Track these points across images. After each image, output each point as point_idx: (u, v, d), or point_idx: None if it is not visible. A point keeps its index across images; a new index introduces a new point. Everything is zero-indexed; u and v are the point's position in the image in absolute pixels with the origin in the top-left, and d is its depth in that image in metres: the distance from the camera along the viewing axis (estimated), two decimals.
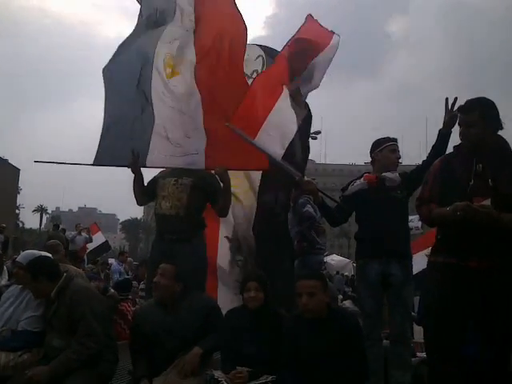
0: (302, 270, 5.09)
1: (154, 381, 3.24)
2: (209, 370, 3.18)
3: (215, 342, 3.39)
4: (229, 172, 4.10)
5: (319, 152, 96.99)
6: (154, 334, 3.44)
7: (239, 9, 4.13)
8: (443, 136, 3.67)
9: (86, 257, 12.14)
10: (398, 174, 3.95)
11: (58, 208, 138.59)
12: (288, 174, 4.06)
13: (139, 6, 4.50)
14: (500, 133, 3.08)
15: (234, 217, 4.73)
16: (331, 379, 2.86)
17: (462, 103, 3.13)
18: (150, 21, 4.43)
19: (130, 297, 6.34)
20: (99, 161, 4.25)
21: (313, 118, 4.58)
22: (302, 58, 4.47)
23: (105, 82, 4.37)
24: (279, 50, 4.51)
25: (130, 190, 4.38)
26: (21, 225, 71.29)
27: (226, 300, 4.38)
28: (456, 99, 3.49)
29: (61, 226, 14.71)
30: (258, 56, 4.76)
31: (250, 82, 4.34)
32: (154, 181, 4.33)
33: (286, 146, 4.08)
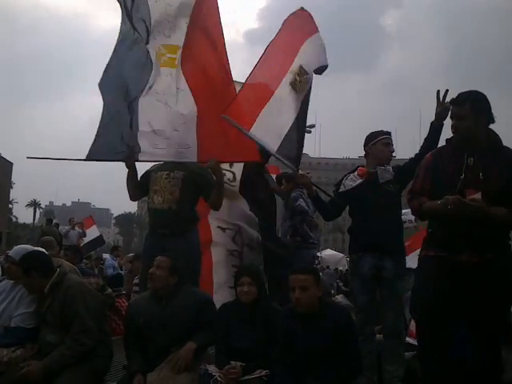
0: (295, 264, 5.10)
1: (148, 376, 3.24)
2: (202, 364, 3.20)
3: (209, 337, 3.41)
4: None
5: (313, 146, 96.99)
6: (147, 325, 3.44)
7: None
8: (435, 128, 3.66)
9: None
10: (391, 168, 3.96)
11: (51, 202, 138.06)
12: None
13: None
14: (492, 126, 3.09)
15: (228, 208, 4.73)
16: (324, 373, 2.88)
17: (455, 96, 3.14)
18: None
19: (123, 292, 6.33)
20: (93, 155, 4.24)
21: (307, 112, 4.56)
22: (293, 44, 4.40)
23: (103, 75, 4.37)
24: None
25: (124, 184, 4.38)
26: (14, 219, 70.97)
27: (221, 295, 4.40)
28: (447, 91, 3.48)
29: (54, 221, 14.62)
30: None
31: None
32: (146, 175, 4.32)
33: (282, 138, 4.05)
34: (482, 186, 2.88)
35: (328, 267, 16.66)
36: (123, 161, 4.25)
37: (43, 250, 3.90)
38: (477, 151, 2.98)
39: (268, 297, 3.50)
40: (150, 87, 4.26)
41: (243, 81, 4.00)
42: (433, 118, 3.68)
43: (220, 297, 4.30)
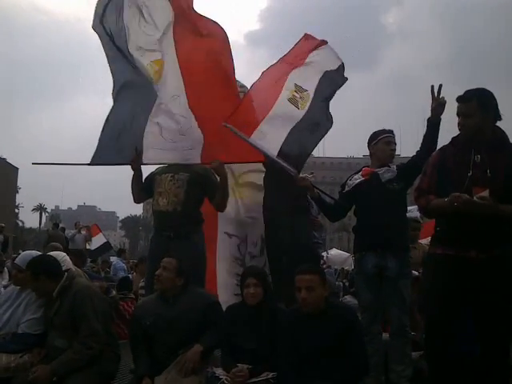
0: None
1: (155, 379, 3.24)
2: (209, 367, 3.20)
3: (216, 339, 3.40)
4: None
5: (318, 146, 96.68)
6: (154, 327, 3.44)
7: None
8: (432, 124, 3.55)
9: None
10: (395, 167, 3.94)
11: (57, 206, 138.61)
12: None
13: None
14: (498, 123, 3.07)
15: (236, 212, 4.73)
16: (331, 374, 2.87)
17: (462, 93, 3.10)
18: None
19: (131, 296, 6.33)
20: (97, 160, 4.25)
21: None
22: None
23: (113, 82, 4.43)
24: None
25: (130, 187, 4.39)
26: (20, 224, 71.30)
27: (225, 298, 4.40)
28: (441, 86, 3.40)
29: (60, 225, 14.64)
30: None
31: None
32: (151, 177, 4.34)
33: (281, 144, 4.12)
34: (489, 183, 2.87)
35: (329, 267, 16.53)
36: (129, 164, 4.25)
37: (53, 253, 3.89)
38: (484, 148, 2.97)
39: (274, 298, 3.49)
40: (155, 97, 4.30)
41: (243, 81, 4.05)
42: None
43: (224, 298, 4.31)
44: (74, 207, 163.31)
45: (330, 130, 4.46)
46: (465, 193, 2.86)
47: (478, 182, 2.90)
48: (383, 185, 3.87)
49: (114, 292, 6.10)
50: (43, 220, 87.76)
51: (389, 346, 3.76)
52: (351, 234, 4.30)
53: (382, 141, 3.98)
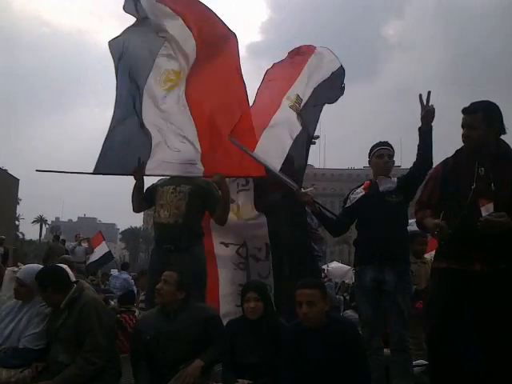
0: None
1: None
2: (210, 382, 3.18)
3: (216, 354, 3.39)
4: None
5: (318, 157, 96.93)
6: (154, 342, 3.42)
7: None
8: (425, 133, 3.50)
9: (84, 268, 12.05)
10: (396, 179, 3.95)
11: (57, 218, 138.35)
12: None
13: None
14: (502, 136, 3.07)
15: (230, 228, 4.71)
16: None
17: (467, 105, 3.11)
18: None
19: (133, 310, 6.29)
20: (100, 169, 4.25)
21: None
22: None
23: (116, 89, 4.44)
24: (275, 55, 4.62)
25: (129, 199, 4.38)
26: (21, 236, 71.09)
27: (228, 309, 4.38)
28: (429, 93, 3.38)
29: (61, 237, 14.61)
30: None
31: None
32: (152, 188, 4.34)
33: (284, 158, 4.16)
34: (493, 195, 2.86)
35: (330, 280, 16.37)
36: (132, 174, 4.25)
37: (63, 266, 3.86)
38: (488, 161, 2.97)
39: (275, 312, 3.48)
40: (160, 106, 4.32)
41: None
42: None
43: (226, 309, 4.28)
44: (75, 219, 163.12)
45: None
46: (469, 205, 2.86)
47: (481, 195, 2.89)
48: (382, 197, 3.86)
49: (113, 303, 6.06)
50: (43, 232, 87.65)
51: (390, 362, 3.73)
52: (352, 246, 4.29)
53: (374, 155, 4.01)
